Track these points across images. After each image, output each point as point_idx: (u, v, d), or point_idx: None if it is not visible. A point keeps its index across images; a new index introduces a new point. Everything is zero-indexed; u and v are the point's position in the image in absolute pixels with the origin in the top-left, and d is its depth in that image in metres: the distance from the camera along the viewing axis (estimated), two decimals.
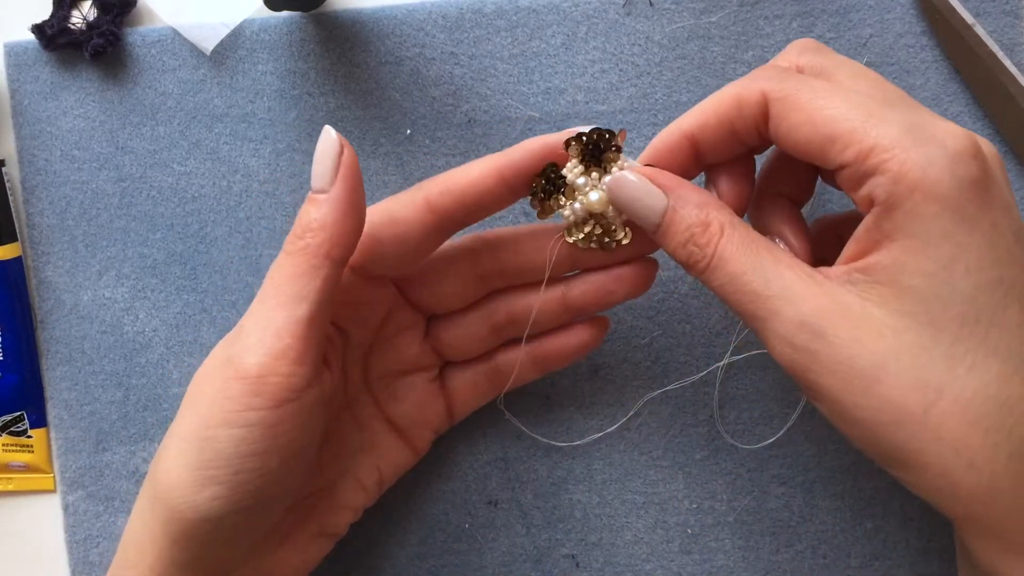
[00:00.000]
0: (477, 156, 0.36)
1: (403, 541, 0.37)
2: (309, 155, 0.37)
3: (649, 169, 0.28)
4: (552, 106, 0.36)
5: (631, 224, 0.30)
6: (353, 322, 0.31)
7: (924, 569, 0.36)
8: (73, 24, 0.37)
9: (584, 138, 0.29)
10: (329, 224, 0.27)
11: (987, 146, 0.25)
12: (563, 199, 0.30)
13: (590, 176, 0.29)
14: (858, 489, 0.36)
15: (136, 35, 0.37)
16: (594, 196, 0.29)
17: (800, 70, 0.28)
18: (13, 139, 0.38)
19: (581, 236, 0.30)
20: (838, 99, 0.25)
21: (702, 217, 0.26)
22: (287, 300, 0.26)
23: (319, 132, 0.28)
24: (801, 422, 0.36)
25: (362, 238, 0.28)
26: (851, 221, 0.30)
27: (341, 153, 0.27)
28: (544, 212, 0.30)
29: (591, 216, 0.30)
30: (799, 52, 0.28)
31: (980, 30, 0.35)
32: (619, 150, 0.29)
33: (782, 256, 0.26)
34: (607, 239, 0.30)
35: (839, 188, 0.26)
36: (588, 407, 0.37)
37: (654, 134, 0.36)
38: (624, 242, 0.30)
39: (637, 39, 0.36)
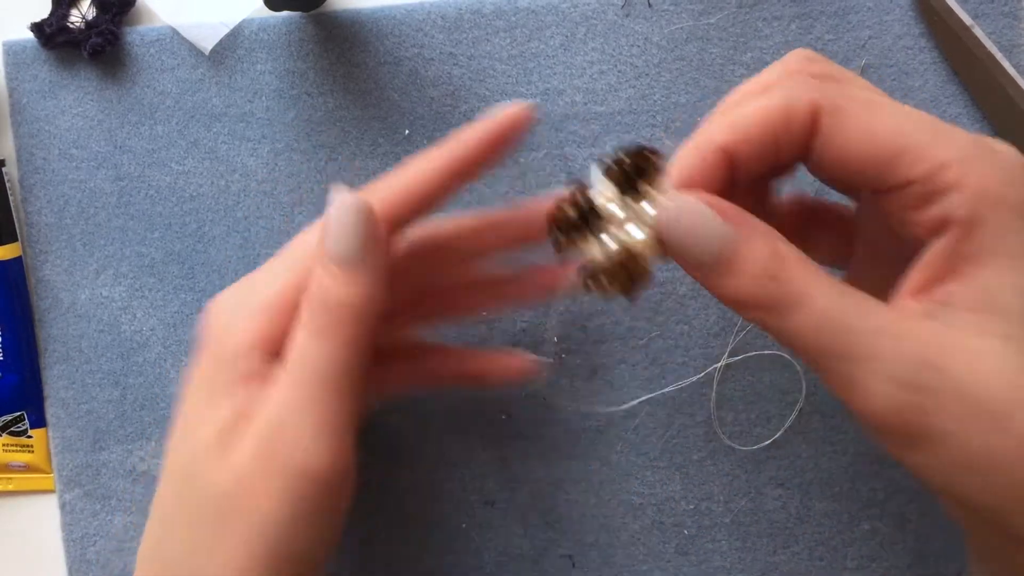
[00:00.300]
0: None
1: (401, 541, 0.37)
2: (307, 155, 0.37)
3: (707, 196, 0.23)
4: (551, 107, 0.36)
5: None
6: None
7: (921, 570, 0.36)
8: (72, 23, 0.37)
9: (625, 159, 0.23)
10: (365, 304, 0.25)
11: None
12: (589, 235, 0.23)
13: (631, 206, 0.23)
14: (855, 491, 0.36)
15: (135, 34, 0.37)
16: (640, 235, 0.23)
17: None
18: (11, 138, 0.38)
19: (610, 282, 0.24)
20: (897, 111, 0.23)
21: (776, 249, 0.23)
22: (334, 390, 0.25)
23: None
24: (798, 424, 0.36)
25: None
26: (831, 211, 0.29)
27: (368, 218, 0.25)
28: (565, 249, 0.24)
29: (627, 256, 0.23)
30: (808, 61, 0.25)
31: (979, 31, 0.35)
32: (659, 172, 0.24)
33: (864, 292, 0.23)
34: (636, 284, 0.24)
35: (884, 211, 0.23)
36: (585, 408, 0.37)
37: (653, 135, 0.36)
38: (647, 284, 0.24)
39: (636, 40, 0.36)
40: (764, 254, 0.22)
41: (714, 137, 0.24)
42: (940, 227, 0.22)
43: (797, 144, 0.24)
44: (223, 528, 0.26)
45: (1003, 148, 0.22)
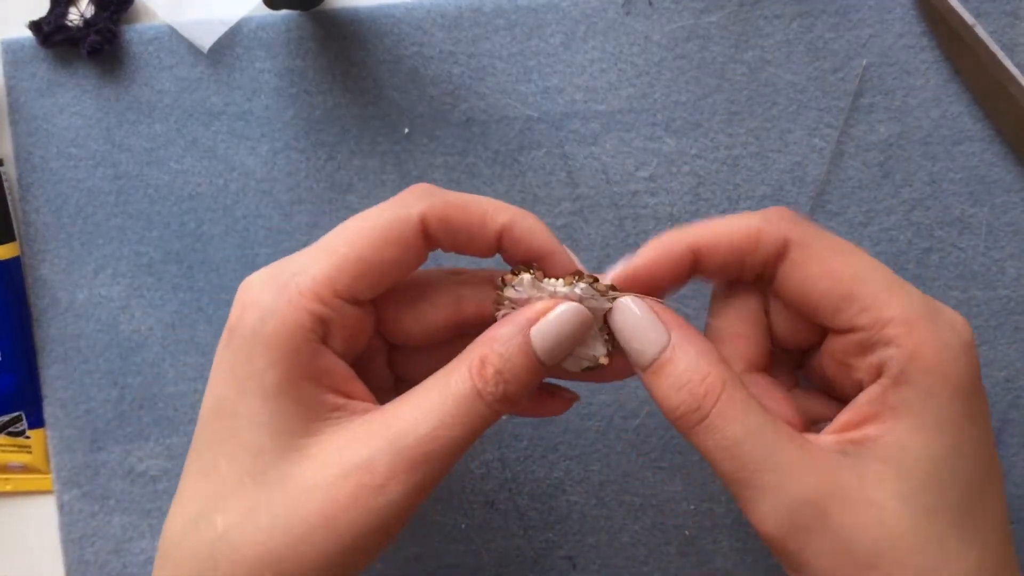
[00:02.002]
0: (475, 155, 0.36)
1: (400, 541, 0.37)
2: (307, 153, 0.37)
3: (654, 302, 0.26)
4: (551, 105, 0.36)
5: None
6: (352, 349, 0.29)
7: None
8: (70, 21, 0.37)
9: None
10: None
11: None
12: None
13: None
14: None
15: (133, 32, 0.37)
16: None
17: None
18: (10, 137, 0.38)
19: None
20: (860, 260, 0.24)
21: (703, 365, 0.24)
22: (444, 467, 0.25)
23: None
24: None
25: (357, 265, 0.26)
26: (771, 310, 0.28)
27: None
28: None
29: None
30: (790, 215, 0.26)
31: (980, 30, 0.34)
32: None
33: (781, 425, 0.24)
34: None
35: (832, 351, 0.25)
36: (586, 408, 0.36)
37: (653, 134, 0.36)
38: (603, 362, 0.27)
39: (636, 38, 0.36)
40: (691, 366, 0.24)
41: (687, 237, 0.26)
42: (874, 375, 0.24)
43: (760, 266, 0.25)
44: None
45: (951, 319, 0.24)
